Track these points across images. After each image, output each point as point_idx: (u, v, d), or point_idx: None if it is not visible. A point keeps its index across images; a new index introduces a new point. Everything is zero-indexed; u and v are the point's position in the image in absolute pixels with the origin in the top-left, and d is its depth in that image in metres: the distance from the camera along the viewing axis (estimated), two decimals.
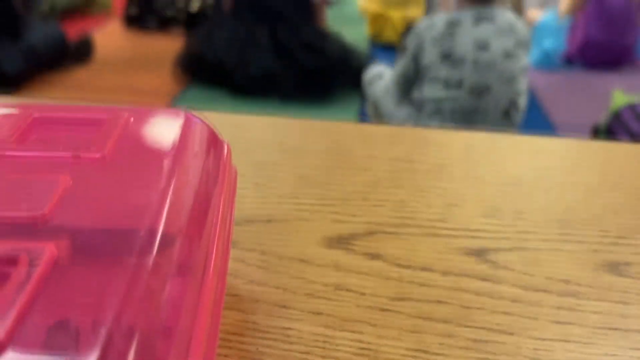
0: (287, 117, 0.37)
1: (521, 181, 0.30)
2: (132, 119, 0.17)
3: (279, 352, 0.20)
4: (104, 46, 2.36)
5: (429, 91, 1.34)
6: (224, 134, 0.34)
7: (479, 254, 0.25)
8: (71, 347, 0.11)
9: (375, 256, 0.24)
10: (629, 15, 2.15)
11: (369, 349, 0.20)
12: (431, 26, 1.30)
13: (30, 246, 0.12)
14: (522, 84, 1.33)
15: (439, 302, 0.22)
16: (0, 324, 0.10)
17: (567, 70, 2.26)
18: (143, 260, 0.13)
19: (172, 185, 0.15)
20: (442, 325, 0.21)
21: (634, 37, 2.20)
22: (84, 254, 0.13)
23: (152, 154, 0.16)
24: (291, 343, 0.20)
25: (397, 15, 2.39)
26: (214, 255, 0.16)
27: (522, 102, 1.34)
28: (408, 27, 1.97)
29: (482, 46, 1.27)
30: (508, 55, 1.28)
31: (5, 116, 0.16)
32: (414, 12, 2.26)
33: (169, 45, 2.37)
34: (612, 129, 1.34)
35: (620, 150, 0.34)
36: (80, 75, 2.17)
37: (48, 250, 0.11)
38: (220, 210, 0.18)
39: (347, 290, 0.23)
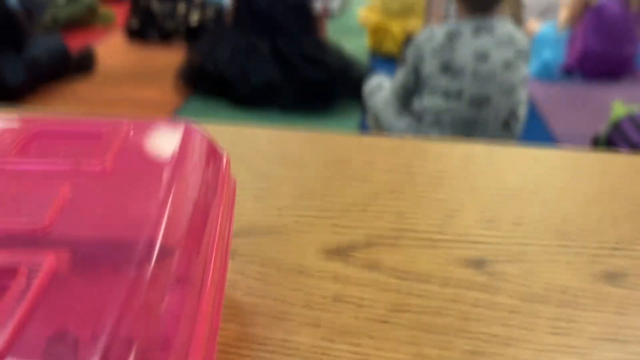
0: (287, 129, 0.38)
1: (519, 191, 0.30)
2: (131, 131, 0.17)
3: None
4: (106, 59, 2.38)
5: (429, 102, 1.34)
6: (224, 145, 0.34)
7: (477, 264, 0.25)
8: (70, 357, 0.11)
9: (373, 267, 0.25)
10: (627, 27, 2.16)
11: None
12: (431, 37, 1.32)
13: (29, 257, 0.12)
14: (522, 95, 1.34)
15: (437, 313, 0.22)
16: (0, 334, 0.10)
17: (567, 81, 2.27)
18: (142, 271, 0.13)
19: (171, 197, 0.16)
20: (440, 336, 0.21)
21: (633, 48, 2.22)
22: (83, 264, 0.13)
23: (152, 166, 0.16)
24: (290, 355, 0.20)
25: (397, 27, 2.41)
26: (212, 267, 0.16)
27: (522, 112, 1.35)
28: (408, 39, 1.98)
29: (482, 57, 1.28)
30: (507, 66, 1.29)
31: (7, 128, 0.17)
32: (414, 23, 2.28)
33: (170, 58, 2.39)
34: (612, 139, 1.34)
35: (617, 161, 0.34)
36: (82, 87, 2.18)
37: (47, 261, 0.12)
38: (219, 221, 0.18)
39: (346, 301, 0.23)
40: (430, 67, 1.31)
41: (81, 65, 2.26)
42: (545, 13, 2.47)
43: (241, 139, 0.36)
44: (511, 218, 0.28)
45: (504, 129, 1.33)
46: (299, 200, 0.29)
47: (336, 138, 0.36)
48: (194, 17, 2.58)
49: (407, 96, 1.43)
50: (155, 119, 0.20)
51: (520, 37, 1.32)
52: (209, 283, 0.16)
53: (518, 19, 1.95)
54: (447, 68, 1.30)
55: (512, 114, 1.32)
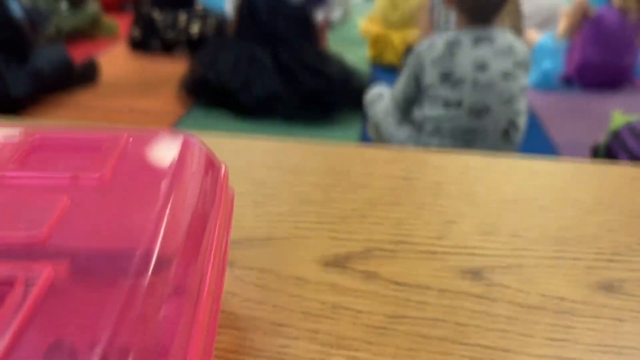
0: (286, 139, 0.38)
1: (517, 202, 0.30)
2: (130, 143, 0.18)
3: None
4: (109, 69, 2.40)
5: (429, 111, 1.35)
6: (225, 156, 0.35)
7: (475, 272, 0.25)
8: None
9: (372, 275, 0.25)
10: (625, 37, 2.17)
11: None
12: (431, 47, 1.33)
13: (27, 268, 0.12)
14: (522, 104, 1.34)
15: (435, 323, 0.22)
16: None
17: (566, 91, 2.28)
18: (139, 281, 0.14)
19: (168, 208, 0.16)
20: (437, 346, 0.21)
21: (631, 58, 2.23)
22: (81, 275, 0.13)
23: (150, 176, 0.17)
24: None
25: (397, 38, 2.42)
26: (209, 277, 0.16)
27: (522, 122, 1.35)
28: (408, 49, 2.00)
29: (481, 67, 1.29)
30: (507, 75, 1.30)
31: (7, 139, 0.17)
32: (414, 34, 2.30)
33: (172, 68, 2.41)
34: (612, 148, 1.34)
35: (615, 171, 0.34)
36: (85, 97, 2.20)
37: (45, 272, 0.12)
38: (217, 231, 0.18)
39: (344, 308, 0.23)
40: (430, 76, 1.32)
41: (85, 76, 2.27)
42: (545, 24, 2.49)
43: (241, 150, 0.36)
44: (509, 228, 0.28)
45: (504, 138, 1.33)
46: (298, 210, 0.29)
47: (335, 148, 0.36)
48: (195, 28, 2.61)
49: (407, 106, 1.44)
50: (156, 129, 0.20)
51: (520, 47, 1.33)
52: (205, 293, 0.16)
53: (518, 29, 1.97)
54: (447, 78, 1.31)
55: (512, 124, 1.33)
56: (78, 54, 2.36)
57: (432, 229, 0.28)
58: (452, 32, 1.36)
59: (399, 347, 0.21)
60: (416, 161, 0.35)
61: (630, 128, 1.31)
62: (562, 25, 2.27)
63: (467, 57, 1.29)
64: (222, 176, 0.20)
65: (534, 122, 1.87)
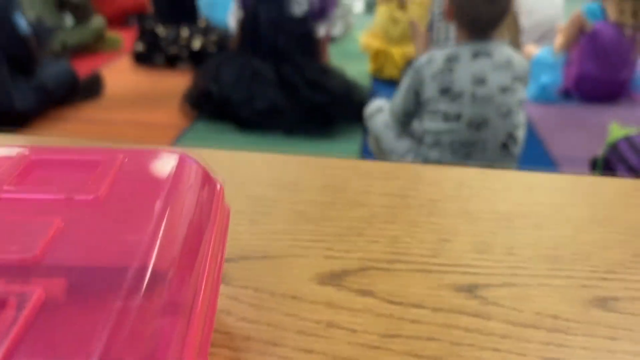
0: (284, 154, 0.38)
1: (512, 216, 0.30)
2: (126, 161, 0.18)
3: None
4: (113, 83, 2.43)
5: (429, 124, 1.36)
6: (223, 171, 0.35)
7: (470, 289, 0.25)
8: None
9: (367, 293, 0.25)
10: (622, 51, 2.19)
11: None
12: (430, 61, 1.34)
13: (19, 288, 0.12)
14: (520, 118, 1.35)
15: (430, 339, 0.22)
16: None
17: (565, 104, 2.29)
18: (131, 299, 0.14)
19: (163, 225, 0.16)
20: None
21: (628, 72, 2.24)
22: (74, 294, 0.13)
23: (145, 195, 0.17)
24: None
25: (397, 52, 2.45)
26: (202, 294, 0.17)
27: (520, 135, 1.36)
28: (408, 63, 2.01)
29: (480, 81, 1.30)
30: (505, 89, 1.31)
31: (3, 157, 0.17)
32: (414, 49, 2.32)
33: (175, 82, 2.43)
34: (610, 161, 1.34)
35: (610, 185, 0.34)
36: (89, 111, 2.22)
37: (37, 291, 0.12)
38: (211, 248, 0.18)
39: (339, 327, 0.23)
40: (430, 90, 1.33)
41: (89, 89, 2.30)
42: (543, 38, 2.51)
43: (239, 164, 0.36)
44: (504, 243, 0.28)
45: (503, 151, 1.34)
46: (294, 225, 0.30)
47: (332, 163, 0.37)
48: (197, 43, 2.64)
49: (406, 119, 1.45)
50: (152, 148, 0.21)
51: (518, 61, 1.34)
52: (198, 311, 0.16)
53: (516, 43, 1.99)
54: (447, 91, 1.32)
55: (511, 137, 1.33)
56: (82, 68, 2.39)
57: (427, 247, 0.28)
58: (452, 46, 1.38)
59: None
60: (412, 176, 0.35)
61: (628, 141, 1.32)
62: (559, 39, 2.29)
63: (466, 72, 1.30)
64: (217, 193, 0.21)
65: (532, 134, 1.88)
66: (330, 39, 2.61)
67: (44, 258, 0.13)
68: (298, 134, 2.00)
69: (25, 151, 0.18)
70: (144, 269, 0.15)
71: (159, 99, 2.33)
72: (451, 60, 1.32)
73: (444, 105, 1.32)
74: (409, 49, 2.39)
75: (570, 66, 2.27)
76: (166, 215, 0.16)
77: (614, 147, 1.33)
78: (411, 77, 1.37)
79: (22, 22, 2.03)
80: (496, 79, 1.30)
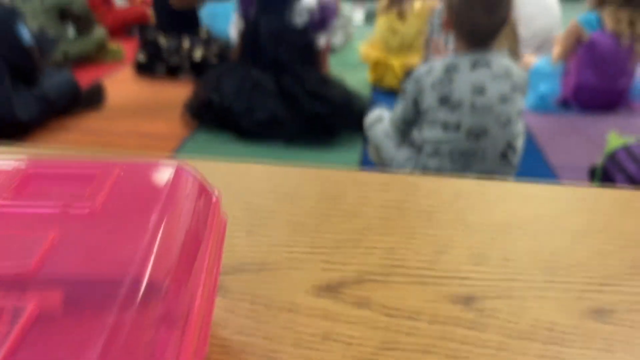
0: (282, 165, 0.38)
1: (509, 227, 0.30)
2: (122, 173, 0.18)
3: None
4: (114, 93, 2.44)
5: (429, 133, 1.36)
6: (221, 181, 0.35)
7: (466, 301, 0.25)
8: None
9: (363, 304, 0.25)
10: (619, 61, 2.20)
11: None
12: (430, 71, 1.35)
13: (14, 301, 0.12)
14: (519, 127, 1.36)
15: (426, 351, 0.22)
16: None
17: (564, 114, 2.29)
18: (126, 311, 0.14)
19: (158, 237, 0.16)
20: None
21: (626, 81, 2.25)
22: (70, 305, 0.13)
23: (141, 207, 0.17)
24: None
25: (397, 62, 2.46)
26: (198, 305, 0.17)
27: (519, 144, 1.37)
28: (408, 73, 2.03)
29: (479, 90, 1.31)
30: (504, 99, 1.31)
31: (1, 168, 0.17)
32: (413, 59, 2.34)
33: (177, 92, 2.44)
34: (608, 170, 1.35)
35: (606, 195, 0.34)
36: (91, 121, 2.23)
37: (32, 303, 0.12)
38: (207, 259, 0.18)
39: (335, 339, 0.23)
40: (429, 100, 1.34)
41: (91, 99, 2.31)
42: (541, 48, 2.53)
43: (237, 175, 0.36)
44: (500, 254, 0.28)
45: (502, 160, 1.34)
46: (291, 236, 0.30)
47: (330, 173, 0.37)
48: (198, 53, 2.66)
49: (406, 128, 1.46)
50: (150, 160, 0.21)
51: (516, 71, 1.35)
52: (194, 321, 0.16)
53: (515, 53, 2.00)
54: (446, 101, 1.32)
55: (510, 146, 1.34)
56: (85, 78, 2.40)
57: (424, 257, 0.28)
58: (451, 56, 1.39)
59: None
60: (409, 187, 0.35)
61: (626, 150, 1.32)
62: (557, 50, 2.31)
63: (465, 81, 1.31)
64: (214, 205, 0.21)
65: (531, 144, 1.88)
66: (331, 49, 2.63)
67: (39, 271, 0.13)
68: (298, 144, 2.01)
69: (22, 164, 0.18)
70: (138, 280, 0.15)
71: (160, 109, 2.34)
72: (450, 70, 1.33)
73: (443, 115, 1.33)
74: (408, 59, 2.40)
75: (568, 76, 2.28)
76: (162, 227, 0.17)
77: (612, 157, 1.34)
78: (411, 86, 1.38)
79: (26, 33, 2.05)
80: (495, 89, 1.31)
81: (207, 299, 0.18)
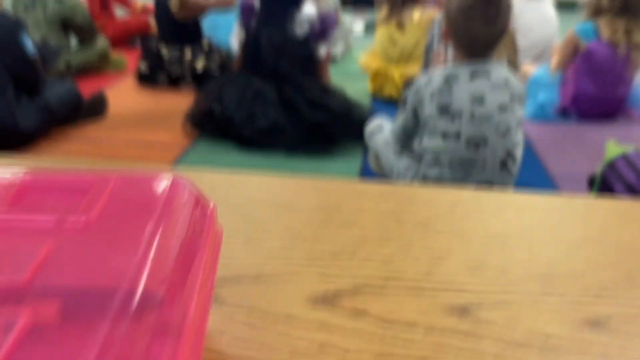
0: (280, 175, 0.39)
1: (505, 237, 0.30)
2: (119, 184, 0.18)
3: None
4: (117, 102, 2.45)
5: (428, 142, 1.37)
6: (219, 191, 0.35)
7: (462, 309, 0.25)
8: None
9: (360, 313, 0.25)
10: (617, 69, 2.21)
11: None
12: (429, 81, 1.36)
13: (8, 312, 0.12)
14: (518, 136, 1.36)
15: (422, 359, 0.22)
16: None
17: (563, 122, 2.30)
18: (120, 321, 0.14)
19: (153, 248, 0.16)
20: None
21: (624, 90, 2.25)
22: (63, 317, 0.13)
23: (136, 220, 0.17)
24: None
25: (397, 72, 2.48)
26: (192, 315, 0.17)
27: (519, 153, 1.37)
28: (407, 83, 2.04)
29: (479, 100, 1.31)
30: (503, 108, 1.32)
31: None
32: (413, 69, 2.35)
33: (178, 102, 2.46)
34: (607, 179, 1.35)
35: (602, 205, 0.34)
36: (93, 130, 2.24)
37: (25, 317, 0.12)
38: (202, 270, 0.18)
39: (332, 347, 0.23)
40: (429, 109, 1.35)
41: (94, 109, 2.32)
42: (540, 57, 2.54)
43: (235, 186, 0.37)
44: (496, 264, 0.28)
45: (502, 169, 1.35)
46: (289, 247, 0.30)
47: (327, 184, 0.37)
48: (200, 63, 2.68)
49: (406, 137, 1.46)
50: (152, 166, 0.21)
51: (515, 81, 1.36)
52: (188, 332, 0.16)
53: (514, 63, 2.01)
54: (445, 110, 1.33)
55: (509, 155, 1.34)
56: (87, 88, 2.42)
57: (421, 267, 0.28)
58: (450, 66, 1.40)
59: None
60: (406, 197, 0.35)
61: (625, 158, 1.32)
62: (554, 59, 2.32)
63: (464, 91, 1.32)
64: (209, 215, 0.21)
65: (530, 153, 1.88)
66: (331, 60, 2.64)
67: (34, 283, 0.14)
68: (299, 153, 2.01)
69: (19, 175, 0.18)
70: (133, 291, 0.15)
71: (161, 119, 2.35)
72: (449, 80, 1.33)
73: (443, 124, 1.33)
74: (408, 69, 2.42)
75: (566, 85, 2.29)
76: (156, 239, 0.17)
77: (611, 165, 1.34)
78: (411, 96, 1.39)
79: (29, 44, 2.06)
80: (495, 98, 1.31)
81: (202, 309, 0.18)
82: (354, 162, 1.97)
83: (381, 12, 2.58)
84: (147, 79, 2.73)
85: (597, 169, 1.44)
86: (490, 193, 0.36)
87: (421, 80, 1.39)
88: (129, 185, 0.19)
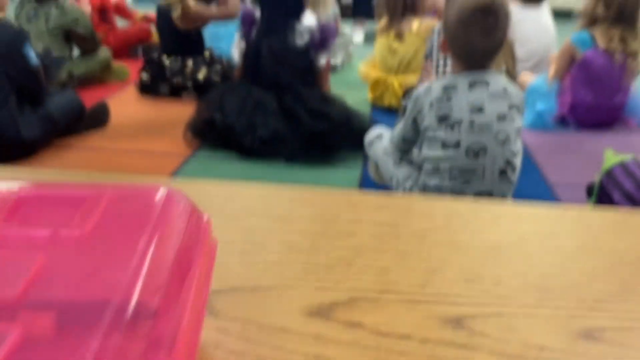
0: (277, 185, 0.39)
1: (500, 248, 0.31)
2: (114, 197, 0.19)
3: None
4: (118, 112, 2.46)
5: (428, 152, 1.37)
6: (214, 203, 0.35)
7: (457, 321, 0.25)
8: None
9: (355, 325, 0.25)
10: (614, 77, 2.21)
11: None
12: (429, 91, 1.36)
13: (1, 325, 0.12)
14: (517, 145, 1.37)
15: None
16: None
17: (561, 131, 2.30)
18: (113, 334, 0.14)
19: (146, 261, 0.17)
20: None
21: (622, 98, 2.26)
22: (56, 331, 0.13)
23: (130, 231, 0.17)
24: None
25: (396, 82, 2.49)
26: (185, 329, 0.17)
27: (518, 162, 1.38)
28: (407, 92, 2.05)
29: (478, 109, 1.32)
30: (502, 117, 1.32)
31: None
32: (412, 78, 2.36)
33: (179, 112, 2.47)
34: (605, 187, 1.35)
35: (598, 216, 0.35)
36: (95, 139, 2.25)
37: (18, 329, 0.12)
38: (195, 284, 0.19)
39: None
40: (428, 119, 1.35)
41: (96, 119, 2.33)
42: (538, 66, 2.55)
43: (231, 196, 0.37)
44: (491, 275, 0.28)
45: (501, 177, 1.35)
46: (285, 258, 0.30)
47: (324, 194, 0.37)
48: (201, 74, 2.69)
49: (406, 146, 1.47)
50: (150, 177, 0.21)
51: (513, 90, 1.37)
52: (181, 344, 0.16)
53: (512, 72, 2.02)
54: (445, 119, 1.33)
55: (509, 164, 1.35)
56: (89, 98, 2.43)
57: (416, 277, 0.28)
58: (449, 76, 1.40)
59: None
60: (402, 207, 0.35)
61: (623, 167, 1.32)
62: (552, 70, 2.33)
63: (463, 100, 1.32)
64: (204, 228, 0.21)
65: (528, 161, 1.88)
66: (331, 69, 2.66)
67: (27, 295, 0.14)
68: (300, 162, 2.02)
69: (14, 188, 0.18)
70: (126, 303, 0.15)
71: (163, 129, 2.36)
72: (449, 89, 1.34)
73: (442, 133, 1.34)
74: (407, 78, 2.43)
75: (564, 94, 2.30)
76: (150, 251, 0.17)
77: (609, 173, 1.34)
78: (410, 106, 1.40)
79: (32, 54, 2.08)
80: (494, 107, 1.32)
81: (196, 322, 0.18)
82: (354, 171, 1.98)
83: (380, 23, 2.60)
84: (148, 89, 2.75)
85: (596, 177, 1.44)
86: (486, 204, 0.36)
87: (420, 90, 1.39)
88: (123, 198, 0.19)
